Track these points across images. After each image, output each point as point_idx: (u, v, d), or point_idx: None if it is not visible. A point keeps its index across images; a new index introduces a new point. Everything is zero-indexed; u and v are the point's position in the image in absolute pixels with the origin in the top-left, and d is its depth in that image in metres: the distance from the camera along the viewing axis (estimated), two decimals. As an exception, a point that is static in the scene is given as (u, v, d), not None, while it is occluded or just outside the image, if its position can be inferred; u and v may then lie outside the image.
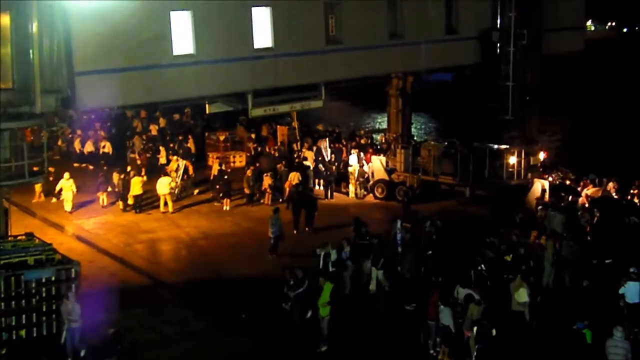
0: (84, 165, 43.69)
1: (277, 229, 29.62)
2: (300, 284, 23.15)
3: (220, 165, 39.20)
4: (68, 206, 35.01)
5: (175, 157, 39.85)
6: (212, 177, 38.72)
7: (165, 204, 35.51)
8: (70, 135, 46.84)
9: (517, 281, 23.01)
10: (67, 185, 35.02)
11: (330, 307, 22.03)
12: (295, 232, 32.41)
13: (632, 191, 35.08)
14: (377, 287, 25.69)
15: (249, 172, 37.26)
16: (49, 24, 24.29)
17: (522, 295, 22.61)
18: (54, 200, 36.05)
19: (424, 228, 28.69)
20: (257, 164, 39.24)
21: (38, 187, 35.78)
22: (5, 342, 20.91)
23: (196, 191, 38.39)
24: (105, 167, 40.20)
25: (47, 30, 24.25)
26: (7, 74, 24.04)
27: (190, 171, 38.78)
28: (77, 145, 45.21)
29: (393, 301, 24.96)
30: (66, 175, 35.23)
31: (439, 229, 28.62)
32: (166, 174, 36.86)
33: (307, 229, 32.90)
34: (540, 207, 32.52)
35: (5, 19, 23.92)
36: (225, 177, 37.34)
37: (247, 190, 36.73)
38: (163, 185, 35.48)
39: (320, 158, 40.80)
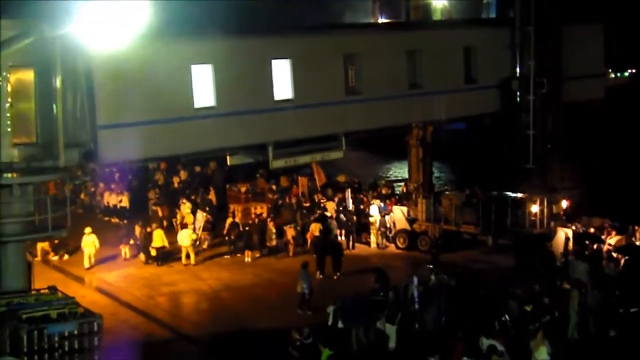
0: (107, 218, 43.83)
1: (308, 285, 29.22)
2: (306, 339, 23.18)
3: (233, 217, 39.17)
4: (88, 262, 34.75)
5: (189, 210, 40.02)
6: (224, 231, 38.68)
7: (187, 256, 35.52)
8: (92, 189, 47.13)
9: (537, 338, 22.36)
10: (89, 241, 34.87)
11: None
12: (320, 276, 32.80)
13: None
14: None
15: (271, 225, 37.14)
16: (73, 78, 24.58)
17: (542, 353, 21.94)
18: (65, 257, 36.04)
19: (427, 282, 27.76)
20: (279, 216, 39.23)
21: (44, 245, 35.50)
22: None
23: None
24: (126, 221, 40.33)
25: (70, 84, 24.52)
26: (30, 128, 24.26)
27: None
28: (107, 197, 45.42)
29: (412, 357, 24.50)
30: (87, 229, 35.19)
31: (443, 282, 27.82)
32: (185, 227, 36.98)
33: (335, 276, 33.27)
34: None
35: (29, 74, 24.21)
36: (247, 228, 37.40)
37: (268, 244, 36.56)
38: (185, 237, 35.53)
39: (341, 208, 40.74)
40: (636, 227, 35.20)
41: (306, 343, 23.02)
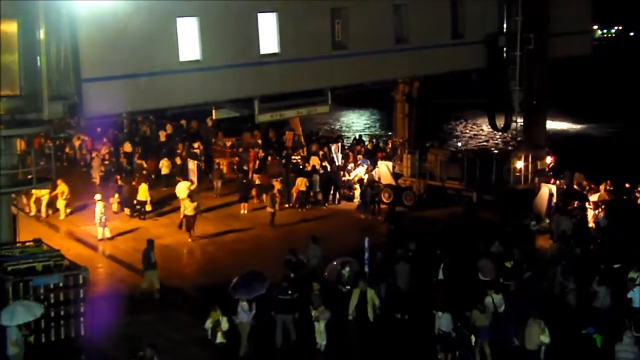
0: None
1: (318, 261, 27.17)
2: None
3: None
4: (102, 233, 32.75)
5: (167, 164, 40.60)
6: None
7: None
8: (78, 142, 46.87)
9: (538, 325, 20.62)
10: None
11: None
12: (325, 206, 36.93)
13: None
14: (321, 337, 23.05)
15: (276, 188, 36.29)
16: (56, 30, 24.32)
17: (545, 336, 20.60)
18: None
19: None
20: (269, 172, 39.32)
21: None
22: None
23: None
24: (117, 175, 40.11)
25: (54, 36, 24.28)
26: (14, 80, 24.07)
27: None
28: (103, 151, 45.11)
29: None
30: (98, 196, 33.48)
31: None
32: (186, 179, 37.02)
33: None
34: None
35: (12, 26, 23.96)
36: (244, 181, 37.86)
37: (270, 209, 34.99)
38: (182, 189, 35.45)
39: (324, 163, 40.76)
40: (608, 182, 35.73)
41: None
